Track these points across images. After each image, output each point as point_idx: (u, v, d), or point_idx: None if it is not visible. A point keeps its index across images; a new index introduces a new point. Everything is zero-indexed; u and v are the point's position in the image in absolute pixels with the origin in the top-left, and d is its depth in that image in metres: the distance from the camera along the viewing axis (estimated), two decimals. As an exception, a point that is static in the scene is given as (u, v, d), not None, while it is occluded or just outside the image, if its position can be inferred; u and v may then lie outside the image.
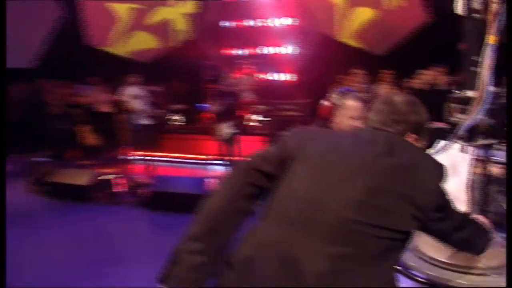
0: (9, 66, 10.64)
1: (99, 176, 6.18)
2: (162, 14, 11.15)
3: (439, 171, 1.40)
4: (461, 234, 1.52)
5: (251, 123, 8.33)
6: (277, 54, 11.02)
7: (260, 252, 1.30)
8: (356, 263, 1.26)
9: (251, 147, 7.28)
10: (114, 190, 5.98)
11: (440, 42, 9.56)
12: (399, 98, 1.55)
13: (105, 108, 10.57)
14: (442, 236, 1.54)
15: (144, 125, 7.92)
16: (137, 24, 11.13)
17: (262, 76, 10.24)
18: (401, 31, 9.74)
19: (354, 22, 10.26)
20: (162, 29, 11.24)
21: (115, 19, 11.16)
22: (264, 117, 8.59)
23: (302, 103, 8.40)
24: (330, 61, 9.99)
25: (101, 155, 9.69)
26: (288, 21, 10.88)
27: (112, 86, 10.55)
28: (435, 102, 6.08)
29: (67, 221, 5.46)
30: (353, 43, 10.37)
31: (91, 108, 10.43)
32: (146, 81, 9.78)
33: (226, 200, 1.42)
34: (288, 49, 10.95)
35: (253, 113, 7.37)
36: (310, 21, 10.67)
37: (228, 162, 6.66)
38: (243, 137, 6.92)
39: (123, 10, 11.10)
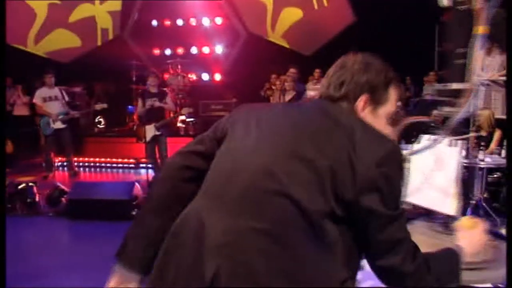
0: None
1: (13, 186, 5.73)
2: (84, 11, 10.61)
3: (378, 145, 1.15)
4: (391, 256, 1.15)
5: (178, 124, 8.16)
6: (205, 54, 10.91)
7: (180, 229, 1.23)
8: (278, 243, 1.10)
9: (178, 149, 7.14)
10: (31, 200, 5.57)
11: (366, 42, 10.04)
12: (352, 57, 1.34)
13: (21, 111, 9.92)
14: (362, 243, 1.18)
15: (61, 129, 7.39)
16: (57, 22, 10.51)
17: (190, 76, 10.09)
18: (328, 31, 10.01)
19: (283, 22, 10.40)
20: (85, 27, 10.70)
21: (34, 15, 10.46)
22: (191, 117, 8.48)
23: (230, 103, 8.38)
24: (259, 61, 10.09)
25: (17, 162, 9.07)
26: (216, 21, 10.81)
27: (28, 88, 9.92)
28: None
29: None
30: (283, 43, 10.52)
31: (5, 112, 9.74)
32: (67, 82, 9.29)
33: (167, 186, 1.37)
34: (216, 49, 10.88)
35: (180, 114, 7.20)
36: (239, 21, 10.68)
37: (154, 165, 6.45)
38: (170, 139, 6.75)
39: (42, 7, 10.42)
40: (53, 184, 5.82)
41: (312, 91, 7.09)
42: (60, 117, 7.30)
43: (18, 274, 3.95)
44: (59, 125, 7.32)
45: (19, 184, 5.71)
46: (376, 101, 1.28)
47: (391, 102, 1.32)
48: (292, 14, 10.43)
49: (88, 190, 5.46)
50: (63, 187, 5.59)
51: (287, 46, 10.64)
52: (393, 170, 1.14)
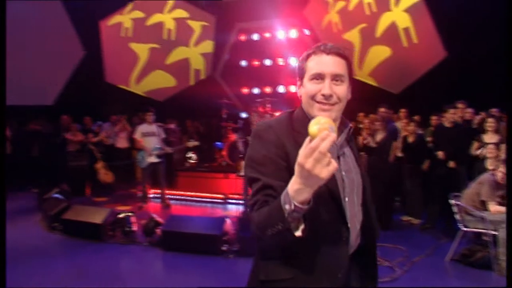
0: (30, 104, 11.02)
1: (114, 215, 6.14)
2: (180, 53, 11.40)
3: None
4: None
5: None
6: (292, 92, 11.10)
7: None
8: None
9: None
10: (129, 229, 5.91)
11: (456, 79, 9.63)
12: None
13: (121, 145, 10.74)
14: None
15: (156, 163, 7.87)
16: (156, 64, 11.39)
17: (278, 114, 10.26)
18: (418, 68, 9.75)
19: (371, 60, 10.32)
20: (179, 68, 11.46)
21: (137, 58, 11.47)
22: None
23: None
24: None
25: (116, 192, 9.75)
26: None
27: (129, 124, 10.77)
28: (463, 138, 6.03)
29: (81, 258, 5.40)
30: (370, 81, 10.40)
31: (108, 145, 10.60)
32: (162, 119, 9.95)
33: None
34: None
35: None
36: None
37: (246, 201, 6.55)
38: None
39: (143, 50, 11.41)
40: (148, 215, 6.12)
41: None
42: (155, 152, 7.77)
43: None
44: (154, 159, 7.79)
45: (119, 213, 6.11)
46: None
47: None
48: (380, 52, 10.31)
49: (182, 223, 5.65)
50: (158, 218, 5.85)
51: (374, 84, 10.50)
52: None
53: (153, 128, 7.96)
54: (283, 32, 11.27)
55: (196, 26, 11.44)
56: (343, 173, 1.70)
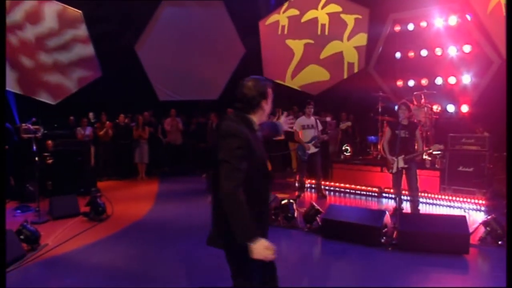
0: (198, 98, 12.41)
1: (277, 201, 6.72)
2: (334, 48, 11.67)
3: (222, 131, 2.43)
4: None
5: (424, 156, 8.05)
6: (451, 84, 10.46)
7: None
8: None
9: (423, 182, 7.07)
10: (291, 215, 6.42)
11: None
12: (245, 81, 2.58)
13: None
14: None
15: (314, 153, 8.18)
16: (311, 58, 11.86)
17: (434, 107, 9.83)
18: None
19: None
20: (333, 62, 11.73)
21: (292, 54, 12.10)
22: (440, 151, 8.27)
23: (482, 137, 7.84)
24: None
25: (274, 180, 10.49)
26: (464, 49, 10.27)
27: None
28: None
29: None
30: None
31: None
32: (316, 113, 10.35)
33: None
34: (464, 79, 10.32)
35: (429, 150, 7.05)
36: (491, 47, 9.90)
37: (398, 197, 6.55)
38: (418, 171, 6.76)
39: (299, 46, 11.98)
40: (309, 203, 6.55)
41: None
42: (313, 142, 8.12)
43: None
44: (313, 149, 8.17)
45: (282, 200, 6.67)
46: (251, 108, 2.57)
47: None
48: None
49: (341, 212, 5.93)
50: (318, 207, 6.24)
51: None
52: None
53: (312, 120, 8.23)
54: (441, 20, 10.64)
55: (349, 19, 11.56)
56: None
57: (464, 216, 5.37)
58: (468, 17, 10.29)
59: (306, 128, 8.20)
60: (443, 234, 5.11)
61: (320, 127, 8.29)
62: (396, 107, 10.81)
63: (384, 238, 5.37)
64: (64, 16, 11.46)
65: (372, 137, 10.43)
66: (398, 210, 6.26)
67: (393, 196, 7.90)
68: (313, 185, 9.13)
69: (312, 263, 5.29)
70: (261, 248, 2.23)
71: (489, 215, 6.00)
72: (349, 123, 8.85)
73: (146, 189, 10.27)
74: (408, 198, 6.60)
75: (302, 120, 8.29)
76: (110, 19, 12.46)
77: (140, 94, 12.69)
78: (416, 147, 6.61)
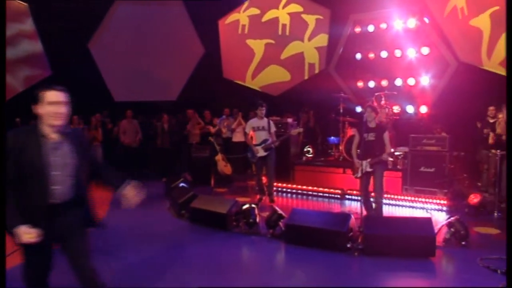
0: (155, 99, 11.93)
1: (238, 206, 6.44)
2: (295, 48, 11.49)
3: None
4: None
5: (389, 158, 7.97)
6: (410, 86, 10.54)
7: None
8: None
9: (385, 183, 6.96)
10: (253, 220, 6.15)
11: None
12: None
13: (238, 139, 11.21)
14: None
15: (264, 156, 7.81)
16: (271, 59, 11.63)
17: (394, 108, 9.87)
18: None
19: (502, 48, 9.33)
20: (294, 63, 11.56)
21: (253, 54, 11.83)
22: (400, 151, 8.25)
23: (443, 138, 7.87)
24: (471, 92, 9.32)
25: (234, 183, 10.22)
26: (423, 51, 10.38)
27: (245, 118, 11.18)
28: None
29: (207, 245, 5.76)
30: (501, 71, 9.45)
31: (225, 138, 11.14)
32: (277, 113, 10.15)
33: None
34: (422, 80, 10.42)
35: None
36: (448, 50, 10.06)
37: (364, 199, 6.39)
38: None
39: (260, 46, 11.73)
40: (271, 208, 6.30)
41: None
42: (263, 145, 7.84)
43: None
44: (262, 152, 7.82)
45: (244, 205, 6.39)
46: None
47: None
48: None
49: (305, 217, 5.72)
50: (281, 211, 6.00)
51: (505, 74, 9.52)
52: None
53: (264, 122, 7.92)
54: (400, 22, 10.71)
55: (311, 20, 11.42)
56: (55, 158, 2.76)
57: (430, 218, 5.28)
58: (426, 20, 10.42)
59: (257, 130, 7.89)
60: (410, 237, 4.99)
61: (273, 129, 7.97)
62: (356, 108, 10.82)
63: (350, 242, 5.19)
64: (7, 8, 10.65)
65: (333, 138, 10.34)
66: (366, 214, 6.12)
67: (356, 198, 7.79)
68: (278, 188, 8.89)
69: (275, 271, 5.01)
70: (22, 234, 2.56)
71: (451, 216, 6.00)
72: (300, 129, 8.52)
73: (100, 194, 9.64)
74: (373, 200, 6.46)
75: (254, 121, 7.99)
76: (62, 14, 11.76)
77: (94, 95, 12.05)
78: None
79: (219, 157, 9.98)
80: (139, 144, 11.96)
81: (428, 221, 5.14)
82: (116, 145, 11.72)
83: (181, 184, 8.42)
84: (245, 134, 8.04)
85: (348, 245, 5.15)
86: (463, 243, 5.30)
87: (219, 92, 12.62)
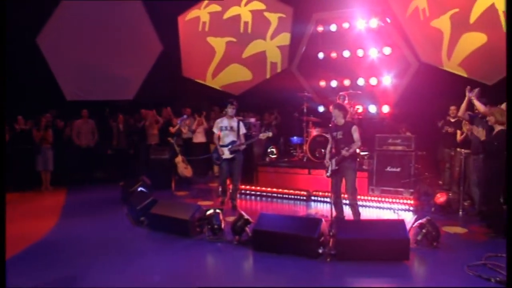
0: (112, 99, 11.37)
1: (201, 211, 6.07)
2: (257, 47, 11.26)
3: None
4: None
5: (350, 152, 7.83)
6: (372, 85, 10.52)
7: None
8: None
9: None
10: (218, 226, 5.80)
11: None
12: None
13: (198, 140, 10.81)
14: None
15: (229, 159, 7.48)
16: (233, 58, 11.35)
17: (357, 108, 9.80)
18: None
19: (462, 49, 9.48)
20: (256, 62, 11.33)
21: (214, 53, 11.49)
22: (366, 151, 8.13)
23: (409, 138, 7.83)
24: (432, 92, 9.41)
25: (195, 186, 9.82)
26: (385, 51, 10.39)
27: (207, 118, 10.80)
28: None
29: (168, 254, 5.36)
30: (460, 72, 9.59)
31: (186, 139, 10.71)
32: (238, 113, 9.82)
33: None
34: (384, 80, 10.42)
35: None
36: (409, 50, 10.14)
37: (335, 200, 6.16)
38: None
39: (221, 44, 11.40)
40: (238, 213, 5.97)
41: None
42: (229, 147, 7.50)
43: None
44: (227, 155, 7.48)
45: (208, 210, 6.02)
46: None
47: None
48: (473, 40, 9.43)
49: (274, 222, 5.42)
50: (247, 216, 5.68)
51: (465, 75, 9.68)
52: None
53: (233, 122, 7.55)
54: (362, 22, 10.67)
55: (273, 18, 11.23)
56: None
57: (403, 220, 5.13)
58: (388, 20, 10.45)
59: (224, 130, 7.49)
60: (383, 241, 4.81)
61: (242, 130, 7.58)
62: (319, 108, 10.68)
63: (321, 248, 4.94)
64: None
65: (295, 137, 10.13)
66: (335, 217, 5.91)
67: (322, 199, 7.63)
68: (242, 191, 8.56)
69: (243, 281, 4.68)
70: None
71: (418, 216, 5.93)
72: (269, 134, 8.11)
73: (50, 201, 8.98)
74: (347, 202, 6.24)
75: (221, 121, 7.58)
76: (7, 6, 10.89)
77: (43, 93, 11.28)
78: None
79: (179, 158, 9.54)
80: (95, 146, 11.28)
81: (401, 224, 4.97)
82: (68, 147, 10.97)
83: (140, 189, 7.92)
84: (213, 134, 7.65)
85: (320, 251, 4.90)
86: (434, 244, 5.21)
87: (179, 92, 12.16)
